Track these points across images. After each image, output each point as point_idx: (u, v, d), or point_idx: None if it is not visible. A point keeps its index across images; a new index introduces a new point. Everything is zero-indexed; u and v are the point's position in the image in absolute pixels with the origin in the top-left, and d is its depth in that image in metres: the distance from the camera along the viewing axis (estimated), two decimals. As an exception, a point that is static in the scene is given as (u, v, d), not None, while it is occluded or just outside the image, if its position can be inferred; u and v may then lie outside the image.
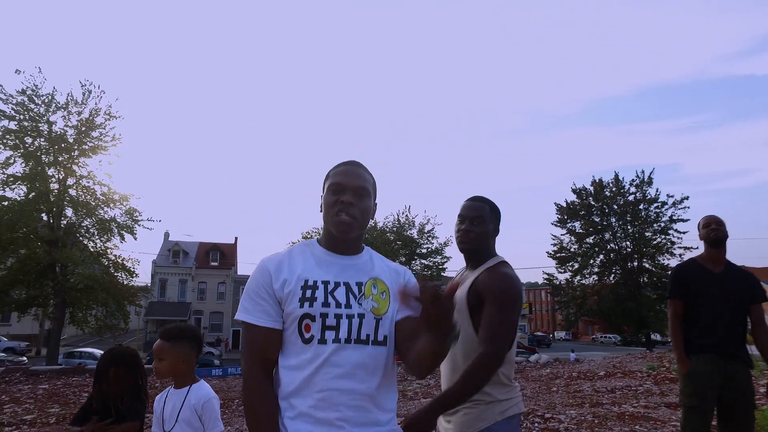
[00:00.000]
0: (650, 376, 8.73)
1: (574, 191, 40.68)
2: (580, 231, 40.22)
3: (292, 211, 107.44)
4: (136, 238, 21.07)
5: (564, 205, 40.65)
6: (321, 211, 1.43)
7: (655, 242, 34.94)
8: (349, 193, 1.36)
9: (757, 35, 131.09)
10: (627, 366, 10.57)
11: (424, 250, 37.26)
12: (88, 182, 20.69)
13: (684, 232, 34.11)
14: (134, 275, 21.54)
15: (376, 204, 1.49)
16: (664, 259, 34.76)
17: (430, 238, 37.24)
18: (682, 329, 2.85)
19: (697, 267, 2.90)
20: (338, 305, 1.30)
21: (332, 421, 1.23)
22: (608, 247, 39.04)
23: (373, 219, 1.48)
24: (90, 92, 20.45)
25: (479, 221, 1.90)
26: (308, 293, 1.30)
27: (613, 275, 38.16)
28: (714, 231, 2.84)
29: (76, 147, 20.23)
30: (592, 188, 39.85)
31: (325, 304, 1.29)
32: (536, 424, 5.26)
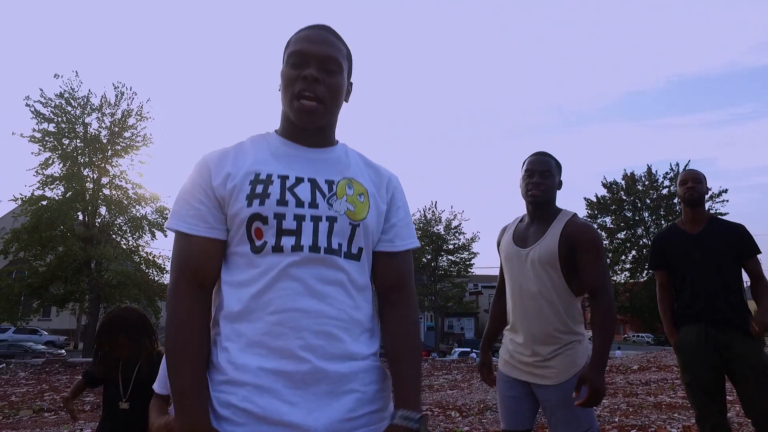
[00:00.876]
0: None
1: (604, 185, 39.72)
2: (611, 226, 39.25)
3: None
4: (166, 235, 21.65)
5: (594, 200, 39.75)
6: (279, 91, 1.09)
7: (691, 237, 33.80)
8: (313, 65, 1.03)
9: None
10: (662, 360, 10.23)
11: (450, 246, 36.98)
12: (121, 181, 21.35)
13: (722, 227, 32.87)
14: (165, 272, 22.06)
15: (351, 83, 1.16)
16: (701, 255, 33.59)
17: (456, 234, 36.94)
18: (669, 300, 2.64)
19: (674, 231, 2.67)
20: (300, 204, 0.99)
21: (293, 352, 0.93)
22: (641, 242, 37.93)
23: (347, 102, 1.14)
24: (122, 94, 21.06)
25: (548, 174, 1.98)
26: (259, 188, 0.99)
27: (646, 272, 37.06)
28: (689, 190, 2.58)
29: (109, 147, 20.87)
30: (623, 182, 38.83)
31: (281, 202, 0.98)
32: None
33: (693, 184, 2.59)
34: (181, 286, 0.98)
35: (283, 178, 1.01)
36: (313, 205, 1.00)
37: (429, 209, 37.35)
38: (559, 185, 2.06)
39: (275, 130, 1.13)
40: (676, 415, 4.15)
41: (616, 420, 4.04)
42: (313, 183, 1.03)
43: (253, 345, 0.94)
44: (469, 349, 27.16)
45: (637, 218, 38.24)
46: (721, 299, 2.46)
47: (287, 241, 0.97)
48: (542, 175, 1.98)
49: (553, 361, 1.89)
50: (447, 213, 38.38)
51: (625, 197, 38.62)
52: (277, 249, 0.97)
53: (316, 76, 1.02)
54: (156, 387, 1.37)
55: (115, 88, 21.00)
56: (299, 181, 1.03)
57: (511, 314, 2.06)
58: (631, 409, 4.51)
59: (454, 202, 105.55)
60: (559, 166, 2.07)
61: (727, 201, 33.26)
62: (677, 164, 36.33)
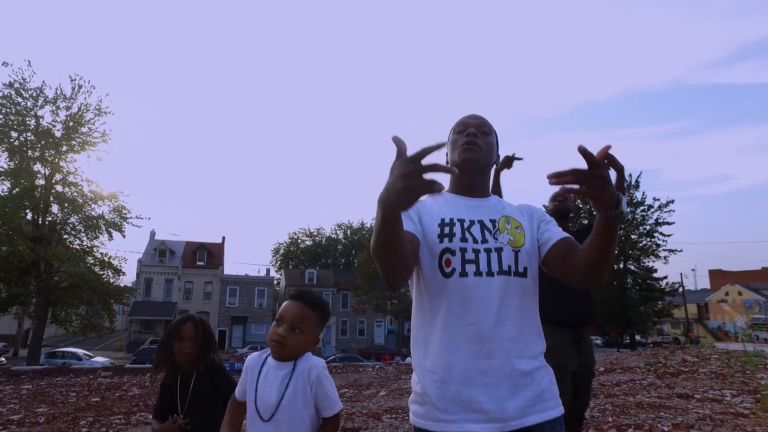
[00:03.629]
0: (650, 371, 8.81)
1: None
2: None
3: (279, 212, 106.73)
4: (124, 236, 20.76)
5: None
6: (447, 161, 1.49)
7: (641, 245, 35.43)
8: (472, 128, 1.42)
9: (736, 44, 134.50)
10: (624, 363, 10.66)
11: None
12: (76, 179, 20.26)
13: (669, 235, 34.68)
14: (122, 273, 21.11)
15: (499, 151, 1.54)
16: (648, 262, 35.28)
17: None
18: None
19: None
20: (475, 241, 1.32)
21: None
22: (595, 249, 39.42)
23: (497, 163, 1.51)
24: (80, 87, 20.00)
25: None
26: (446, 230, 1.32)
27: (599, 278, 38.55)
28: (559, 204, 3.09)
29: (63, 142, 19.76)
30: (579, 191, 40.27)
31: (464, 239, 1.31)
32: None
33: (562, 199, 3.10)
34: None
35: (461, 221, 1.35)
36: (484, 241, 1.32)
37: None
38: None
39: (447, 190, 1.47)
40: (662, 414, 4.35)
41: (611, 420, 4.19)
42: (481, 224, 1.36)
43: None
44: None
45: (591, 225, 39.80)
46: (582, 305, 2.93)
47: (470, 268, 1.28)
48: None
49: None
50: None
51: (580, 205, 40.13)
52: (463, 274, 1.28)
53: (476, 132, 1.41)
54: (237, 393, 1.62)
55: (72, 80, 19.94)
56: (472, 223, 1.36)
57: None
58: (618, 409, 4.69)
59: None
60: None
61: (674, 211, 35.15)
62: (630, 174, 38.12)
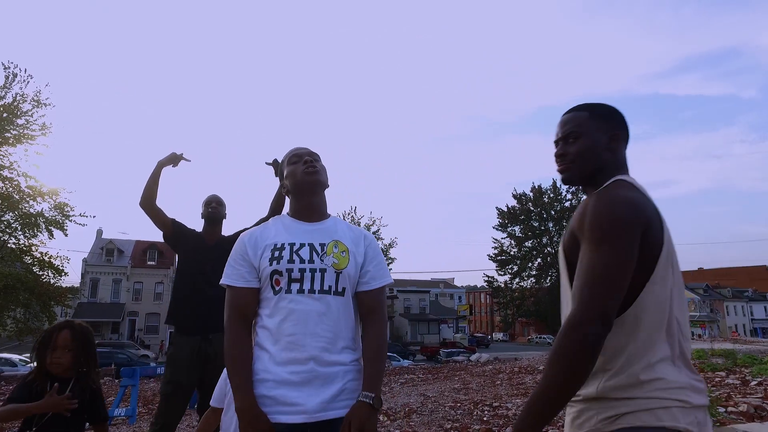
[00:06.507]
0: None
1: (514, 197, 42.39)
2: (520, 235, 41.95)
3: (234, 210, 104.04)
4: (66, 234, 19.63)
5: (505, 209, 42.23)
6: (285, 191, 1.70)
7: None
8: (306, 156, 1.64)
9: (678, 57, 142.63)
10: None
11: (370, 252, 37.32)
12: (11, 173, 19.07)
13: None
14: (63, 274, 20.02)
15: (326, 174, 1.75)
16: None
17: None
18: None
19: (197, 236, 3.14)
20: (302, 261, 1.52)
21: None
22: (546, 250, 40.93)
23: (328, 185, 1.70)
24: (15, 75, 18.75)
25: (575, 136, 1.32)
26: (276, 254, 1.53)
27: (549, 278, 40.03)
28: (213, 210, 3.14)
29: (-3, 134, 18.60)
30: (531, 194, 41.68)
31: (291, 261, 1.52)
32: (486, 412, 5.52)
33: (216, 205, 3.17)
34: (235, 324, 1.52)
35: (292, 245, 1.55)
36: (311, 261, 1.53)
37: (348, 214, 37.53)
38: (611, 143, 1.31)
39: (286, 213, 1.69)
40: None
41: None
42: (311, 246, 1.56)
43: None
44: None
45: (543, 228, 41.21)
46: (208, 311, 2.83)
47: (295, 286, 1.51)
48: (566, 141, 1.35)
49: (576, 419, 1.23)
50: (366, 218, 38.74)
51: (533, 208, 41.45)
52: (288, 291, 1.50)
53: (311, 159, 1.64)
54: (212, 402, 1.88)
55: (5, 68, 18.67)
56: (302, 245, 1.56)
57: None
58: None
59: (373, 208, 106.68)
60: (602, 116, 1.33)
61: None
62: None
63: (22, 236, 19.49)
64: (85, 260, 39.76)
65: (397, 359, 26.33)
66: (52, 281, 19.97)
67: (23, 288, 18.34)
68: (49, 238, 19.48)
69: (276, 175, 2.98)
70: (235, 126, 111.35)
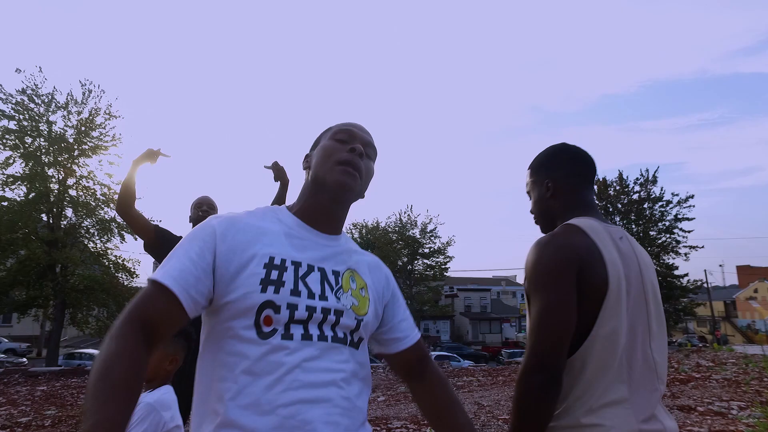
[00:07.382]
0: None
1: (578, 190, 40.31)
2: (585, 230, 39.89)
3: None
4: (136, 239, 20.97)
5: (568, 204, 40.31)
6: (306, 168, 1.14)
7: (659, 241, 34.59)
8: (359, 144, 1.09)
9: (761, 33, 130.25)
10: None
11: (426, 250, 37.03)
12: (88, 182, 20.58)
13: (689, 231, 33.78)
14: (135, 276, 21.40)
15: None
16: (669, 258, 34.41)
17: (432, 238, 37.01)
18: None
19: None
20: (311, 295, 0.98)
21: None
22: (612, 246, 38.64)
23: (363, 197, 1.15)
24: (90, 92, 20.33)
25: (529, 196, 1.44)
26: (274, 275, 0.95)
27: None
28: (204, 214, 2.89)
29: (76, 147, 20.11)
30: (596, 187, 39.53)
31: (295, 292, 0.96)
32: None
33: (207, 208, 2.91)
34: (131, 329, 0.94)
35: (297, 265, 1.00)
36: (323, 297, 1.00)
37: (405, 213, 37.37)
38: (559, 187, 1.37)
39: (286, 207, 1.13)
40: None
41: None
42: (323, 273, 1.03)
43: None
44: (446, 353, 27.27)
45: (608, 222, 39.05)
46: None
47: (297, 329, 0.96)
48: (529, 195, 1.47)
49: None
50: (423, 217, 38.45)
51: (597, 202, 39.34)
52: (287, 337, 0.94)
53: (363, 152, 1.09)
54: None
55: (82, 85, 20.26)
56: (311, 269, 1.02)
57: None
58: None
59: (430, 206, 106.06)
60: (544, 163, 1.42)
61: (694, 206, 34.22)
62: (647, 170, 37.24)
63: (98, 241, 21.04)
64: (154, 263, 42.21)
65: (457, 360, 25.85)
66: (125, 282, 21.35)
67: (101, 289, 19.77)
68: (122, 242, 20.89)
69: (275, 180, 2.75)
70: (235, 126, 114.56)
